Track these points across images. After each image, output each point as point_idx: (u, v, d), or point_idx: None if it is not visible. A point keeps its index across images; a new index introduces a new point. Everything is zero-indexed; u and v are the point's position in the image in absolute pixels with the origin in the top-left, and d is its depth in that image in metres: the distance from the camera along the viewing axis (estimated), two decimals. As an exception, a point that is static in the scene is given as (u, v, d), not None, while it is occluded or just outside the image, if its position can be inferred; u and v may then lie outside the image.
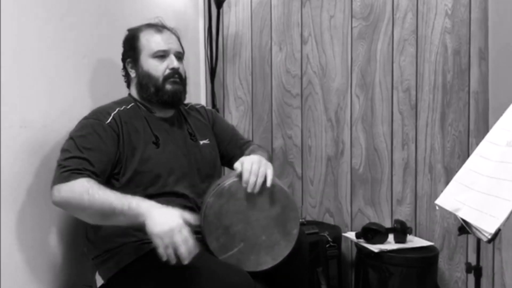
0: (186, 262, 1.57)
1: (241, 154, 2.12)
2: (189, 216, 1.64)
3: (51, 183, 1.73)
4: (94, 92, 2.11)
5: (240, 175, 1.78)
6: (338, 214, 3.01)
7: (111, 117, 1.86)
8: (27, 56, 1.76)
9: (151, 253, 1.80)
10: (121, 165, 1.84)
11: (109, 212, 1.64)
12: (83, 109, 1.92)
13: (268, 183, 1.77)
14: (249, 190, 1.75)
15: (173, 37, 2.01)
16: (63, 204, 1.71)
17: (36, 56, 1.80)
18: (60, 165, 1.73)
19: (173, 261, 1.56)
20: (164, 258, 1.56)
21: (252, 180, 1.75)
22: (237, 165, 1.81)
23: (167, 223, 1.58)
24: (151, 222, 1.59)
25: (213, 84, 3.07)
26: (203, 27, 3.14)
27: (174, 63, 1.96)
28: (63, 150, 1.78)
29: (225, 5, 3.02)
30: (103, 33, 2.19)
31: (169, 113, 2.02)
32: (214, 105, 3.07)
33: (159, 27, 2.00)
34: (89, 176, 1.71)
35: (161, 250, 1.56)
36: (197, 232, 1.85)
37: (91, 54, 2.11)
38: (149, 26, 2.01)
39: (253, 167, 1.77)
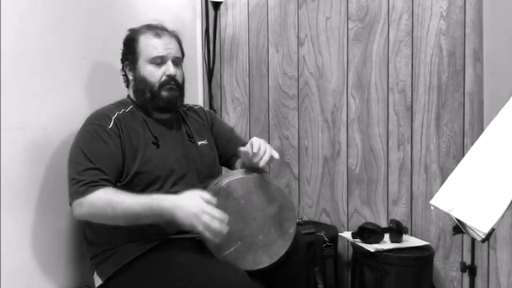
0: (224, 232, 1.65)
1: (239, 155, 2.13)
2: (206, 195, 1.70)
3: (69, 199, 1.77)
4: (93, 94, 2.12)
5: (246, 153, 1.83)
6: (334, 214, 3.03)
7: (112, 122, 1.87)
8: (26, 58, 1.77)
9: (149, 253, 1.82)
10: (123, 167, 1.86)
11: (134, 218, 1.72)
12: (82, 111, 1.93)
13: (276, 156, 1.84)
14: (256, 160, 1.80)
15: (173, 41, 2.01)
16: (87, 218, 1.80)
17: (35, 58, 1.81)
18: (74, 179, 1.76)
19: (217, 236, 1.65)
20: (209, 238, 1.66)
21: (261, 151, 1.81)
22: (247, 146, 1.85)
23: (191, 212, 1.64)
24: (178, 217, 1.66)
25: (211, 85, 3.09)
26: (201, 28, 3.15)
27: (171, 69, 1.96)
28: (74, 162, 1.80)
29: (222, 7, 3.04)
30: (101, 35, 2.19)
31: (166, 115, 2.03)
32: (211, 106, 3.08)
33: (158, 31, 1.99)
34: (104, 186, 1.75)
35: (203, 235, 1.66)
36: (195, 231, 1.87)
37: (89, 56, 2.11)
38: (149, 28, 2.00)
39: (261, 145, 1.82)
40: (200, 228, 1.63)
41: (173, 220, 1.67)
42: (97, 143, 1.82)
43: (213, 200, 1.70)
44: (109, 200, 1.71)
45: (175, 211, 1.67)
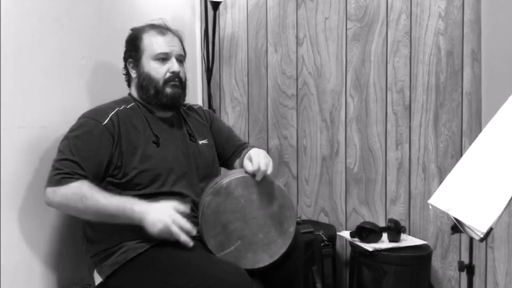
0: (190, 245, 1.70)
1: (238, 155, 2.14)
2: (179, 205, 1.74)
3: (45, 184, 1.77)
4: (92, 93, 2.12)
5: (251, 172, 1.84)
6: (333, 213, 3.04)
7: (108, 118, 1.87)
8: (25, 57, 1.77)
9: (148, 252, 1.83)
10: (119, 166, 1.86)
11: (105, 217, 1.76)
12: (81, 110, 1.93)
13: (269, 171, 1.86)
14: (258, 178, 1.83)
15: (176, 39, 2.02)
16: (56, 207, 1.80)
17: (35, 57, 1.82)
18: (53, 166, 1.78)
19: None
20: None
21: (262, 167, 1.82)
22: (246, 162, 1.89)
23: (160, 221, 1.70)
24: (147, 224, 1.71)
25: (210, 85, 3.09)
26: (200, 28, 3.16)
27: (175, 66, 1.97)
28: (59, 150, 1.82)
29: (221, 7, 3.04)
30: (101, 34, 2.20)
31: (168, 114, 2.04)
32: (210, 105, 3.08)
33: (162, 29, 2.01)
34: (78, 179, 1.76)
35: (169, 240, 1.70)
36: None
37: (89, 56, 2.12)
38: (153, 27, 2.01)
39: (260, 160, 1.85)
40: (166, 236, 1.70)
41: (140, 225, 1.72)
42: (85, 137, 1.83)
43: (187, 210, 1.75)
44: (83, 196, 1.73)
45: (146, 216, 1.71)
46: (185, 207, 1.75)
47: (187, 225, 1.70)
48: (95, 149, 1.83)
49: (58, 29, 1.94)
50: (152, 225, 1.70)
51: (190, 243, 1.70)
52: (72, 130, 1.85)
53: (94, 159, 1.82)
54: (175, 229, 1.68)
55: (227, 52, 3.17)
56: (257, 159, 1.84)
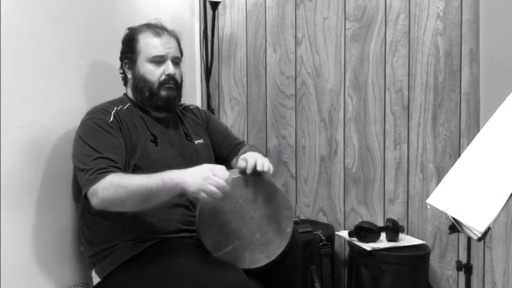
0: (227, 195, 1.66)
1: (235, 153, 2.15)
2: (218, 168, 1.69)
3: (83, 191, 1.74)
4: (91, 93, 2.13)
5: (243, 170, 1.80)
6: (331, 213, 3.04)
7: (112, 116, 1.88)
8: (25, 57, 1.78)
9: (146, 252, 1.83)
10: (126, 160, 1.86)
11: (148, 195, 1.68)
12: (80, 109, 1.94)
13: (266, 168, 1.81)
14: (248, 171, 1.79)
15: (172, 40, 2.02)
16: (104, 204, 1.72)
17: (34, 57, 1.82)
18: (83, 170, 1.74)
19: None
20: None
21: (258, 166, 1.79)
22: (240, 162, 1.84)
23: (197, 180, 1.63)
24: (186, 186, 1.64)
25: (208, 84, 3.10)
26: (199, 28, 3.16)
27: (170, 69, 1.96)
28: (81, 155, 1.79)
29: (220, 7, 3.05)
30: (100, 34, 2.20)
31: (164, 114, 2.04)
32: (209, 105, 3.09)
33: (158, 30, 2.00)
34: (113, 171, 1.73)
35: (207, 200, 1.66)
36: (192, 230, 1.88)
37: (88, 55, 2.12)
38: (149, 27, 2.01)
39: (257, 161, 1.81)
40: (205, 193, 1.63)
41: (183, 190, 1.66)
42: (101, 134, 1.82)
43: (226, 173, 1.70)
44: (120, 181, 1.68)
45: (185, 177, 1.65)
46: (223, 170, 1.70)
47: (223, 181, 1.64)
48: (117, 143, 1.83)
49: (57, 29, 1.94)
50: (190, 186, 1.63)
51: (227, 193, 1.66)
52: (84, 133, 1.84)
53: (120, 150, 1.82)
54: (211, 188, 1.62)
55: (226, 52, 3.17)
56: (253, 158, 1.81)
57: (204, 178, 1.62)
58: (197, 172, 1.66)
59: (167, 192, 1.69)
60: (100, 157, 1.75)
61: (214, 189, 1.61)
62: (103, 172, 1.71)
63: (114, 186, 1.68)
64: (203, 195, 1.62)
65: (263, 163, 1.80)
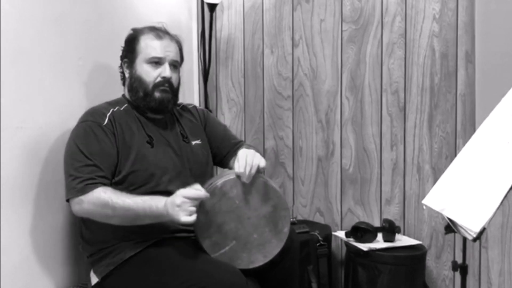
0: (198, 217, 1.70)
1: (233, 153, 2.14)
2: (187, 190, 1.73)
3: (66, 195, 1.79)
4: (90, 94, 2.13)
5: (238, 173, 1.83)
6: (328, 213, 3.05)
7: (107, 118, 1.89)
8: (24, 58, 1.78)
9: (144, 252, 1.84)
10: (118, 164, 1.87)
11: (133, 218, 1.76)
12: (79, 110, 1.95)
13: (262, 164, 1.86)
14: (244, 180, 1.82)
15: (173, 45, 2.02)
16: (86, 216, 1.82)
17: (33, 58, 1.82)
18: (71, 176, 1.78)
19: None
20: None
21: (247, 170, 1.81)
22: (235, 164, 1.86)
23: (175, 210, 1.67)
24: (172, 217, 1.69)
25: (206, 86, 3.11)
26: (197, 30, 3.17)
27: (167, 72, 1.97)
28: (70, 158, 1.82)
29: (218, 8, 3.05)
30: (98, 35, 2.21)
31: (160, 115, 2.05)
32: (207, 106, 3.09)
33: (160, 33, 2.00)
34: (102, 183, 1.78)
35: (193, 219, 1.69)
36: (190, 230, 1.89)
37: (86, 57, 2.13)
38: (152, 30, 2.01)
39: (247, 160, 1.83)
40: (183, 219, 1.67)
41: (168, 219, 1.72)
42: (93, 139, 1.84)
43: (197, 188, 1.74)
44: (110, 200, 1.73)
45: (168, 210, 1.70)
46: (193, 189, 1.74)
47: (192, 192, 1.70)
48: (107, 150, 1.84)
49: (56, 31, 1.95)
50: (171, 216, 1.69)
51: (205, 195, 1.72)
52: (77, 136, 1.85)
53: (108, 158, 1.84)
54: (184, 203, 1.67)
55: (224, 54, 3.18)
56: (243, 161, 1.83)
57: (177, 205, 1.68)
58: (171, 202, 1.70)
59: (153, 219, 1.76)
60: (89, 165, 1.79)
61: (191, 208, 1.68)
62: (91, 183, 1.76)
63: (102, 203, 1.74)
64: (184, 219, 1.68)
65: (252, 164, 1.83)
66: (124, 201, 1.74)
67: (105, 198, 1.74)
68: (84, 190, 1.75)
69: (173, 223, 1.75)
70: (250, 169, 1.82)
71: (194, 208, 1.68)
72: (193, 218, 1.68)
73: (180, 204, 1.67)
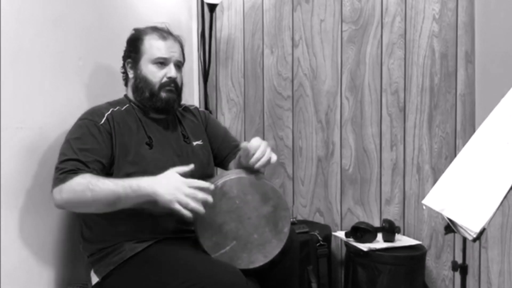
0: (203, 211, 1.66)
1: (233, 155, 2.15)
2: (184, 168, 1.72)
3: (51, 189, 1.76)
4: (90, 94, 2.13)
5: (246, 149, 1.81)
6: (328, 213, 3.05)
7: (104, 118, 1.88)
8: (23, 59, 1.78)
9: (144, 252, 1.84)
10: (114, 165, 1.87)
11: (115, 200, 1.69)
12: (79, 111, 1.94)
13: (273, 160, 1.84)
14: (255, 163, 1.80)
15: (176, 45, 2.03)
16: (66, 205, 1.75)
17: (33, 58, 1.82)
18: (56, 168, 1.76)
19: (190, 214, 1.64)
20: (187, 214, 1.64)
21: (259, 153, 1.80)
22: (244, 143, 1.84)
23: (170, 189, 1.65)
24: (158, 197, 1.65)
25: (206, 86, 3.11)
26: (197, 30, 3.17)
27: (172, 72, 1.98)
28: (60, 154, 1.81)
29: (218, 9, 3.06)
30: (98, 36, 2.21)
31: (163, 115, 2.05)
32: (207, 107, 3.10)
33: (164, 33, 2.01)
34: (82, 173, 1.73)
35: (181, 212, 1.63)
36: (191, 230, 1.89)
37: (86, 57, 2.13)
38: (155, 30, 2.02)
39: (261, 146, 1.82)
40: (179, 204, 1.63)
41: (153, 199, 1.67)
42: (85, 136, 1.82)
43: (188, 169, 1.72)
44: (89, 183, 1.68)
45: (155, 187, 1.66)
46: (187, 167, 1.72)
47: (198, 193, 1.66)
48: (97, 147, 1.82)
49: (56, 31, 1.95)
50: (163, 196, 1.64)
51: (202, 210, 1.66)
52: (71, 132, 1.85)
53: (97, 157, 1.81)
54: (184, 198, 1.63)
55: (224, 54, 3.19)
56: (258, 144, 1.81)
57: (176, 188, 1.65)
58: (168, 182, 1.67)
59: (135, 199, 1.70)
60: (74, 159, 1.76)
61: (187, 200, 1.63)
62: (72, 173, 1.72)
63: (81, 188, 1.68)
64: (177, 206, 1.63)
65: (266, 153, 1.83)
66: (104, 182, 1.69)
67: (84, 183, 1.69)
68: (64, 179, 1.71)
69: (155, 206, 1.68)
70: (263, 157, 1.81)
71: (190, 202, 1.63)
72: (189, 214, 1.64)
73: (178, 188, 1.64)
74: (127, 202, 1.71)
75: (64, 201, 1.72)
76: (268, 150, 1.85)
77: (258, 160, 1.81)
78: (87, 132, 1.84)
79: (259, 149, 1.82)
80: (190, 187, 1.66)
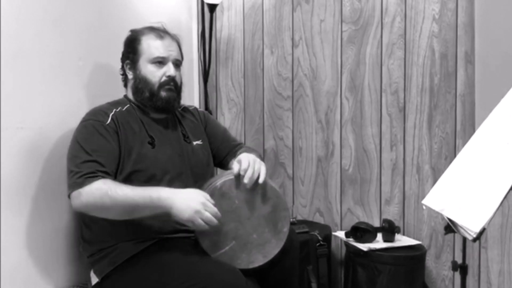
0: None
1: (233, 155, 2.15)
2: (206, 194, 1.76)
3: (67, 191, 1.77)
4: (90, 94, 2.14)
5: (237, 173, 1.82)
6: (328, 213, 3.05)
7: (109, 118, 1.89)
8: (24, 59, 1.78)
9: (144, 252, 1.84)
10: (118, 165, 1.87)
11: (133, 209, 1.73)
12: (79, 111, 1.95)
13: (261, 180, 1.83)
14: (246, 181, 1.80)
15: (174, 44, 2.03)
16: (85, 209, 1.77)
17: (33, 58, 1.83)
18: (72, 172, 1.77)
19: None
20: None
21: (249, 172, 1.81)
22: (234, 164, 1.86)
23: (188, 211, 1.70)
24: (176, 211, 1.70)
25: (206, 86, 3.11)
26: (197, 30, 3.17)
27: (171, 71, 1.98)
28: (72, 156, 1.81)
29: (218, 9, 3.06)
30: (98, 36, 2.21)
31: (163, 115, 2.05)
32: (207, 107, 3.10)
33: (161, 33, 2.01)
34: (103, 177, 1.75)
35: (195, 228, 1.76)
36: (190, 231, 1.89)
37: (86, 57, 2.13)
38: (152, 30, 2.02)
39: (250, 163, 1.83)
40: (195, 224, 1.70)
41: (169, 213, 1.71)
42: (95, 137, 1.84)
43: (211, 200, 1.75)
44: (108, 190, 1.71)
45: (175, 201, 1.70)
46: (209, 197, 1.77)
47: (214, 215, 1.72)
48: (109, 147, 1.84)
49: (56, 31, 1.95)
50: (181, 212, 1.69)
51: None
52: (79, 134, 1.86)
53: (110, 156, 1.83)
54: (201, 221, 1.70)
55: (224, 54, 3.19)
56: (246, 164, 1.83)
57: (196, 212, 1.70)
58: (189, 201, 1.71)
59: (153, 210, 1.74)
60: (90, 160, 1.78)
61: (203, 223, 1.71)
62: (91, 176, 1.74)
63: (101, 193, 1.71)
64: (191, 225, 1.73)
65: (254, 168, 1.84)
66: (123, 190, 1.72)
67: (105, 188, 1.72)
68: (83, 183, 1.73)
69: (169, 217, 1.73)
70: (253, 173, 1.82)
71: (205, 225, 1.71)
72: (205, 226, 1.72)
73: (198, 211, 1.70)
74: (145, 212, 1.75)
75: (83, 205, 1.75)
76: (257, 165, 1.86)
77: (248, 177, 1.82)
78: (96, 132, 1.84)
79: (248, 168, 1.83)
80: (207, 210, 1.71)
